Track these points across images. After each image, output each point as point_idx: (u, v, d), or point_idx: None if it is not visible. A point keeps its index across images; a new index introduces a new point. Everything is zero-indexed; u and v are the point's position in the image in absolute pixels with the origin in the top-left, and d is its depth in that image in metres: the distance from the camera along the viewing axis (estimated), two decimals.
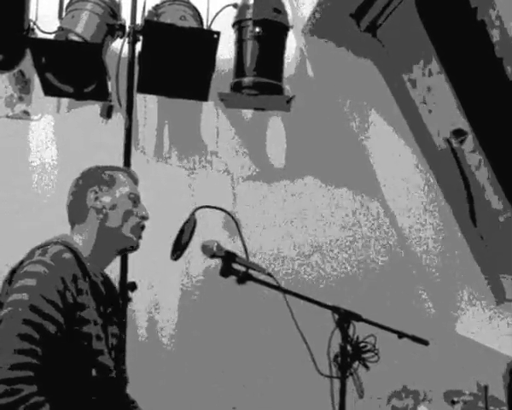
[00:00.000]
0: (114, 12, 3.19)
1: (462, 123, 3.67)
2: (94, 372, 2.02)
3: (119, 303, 2.28)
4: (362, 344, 2.25)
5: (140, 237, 2.24)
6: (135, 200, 2.24)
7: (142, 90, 3.28)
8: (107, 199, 2.19)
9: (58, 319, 1.94)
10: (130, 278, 3.13)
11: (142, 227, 2.25)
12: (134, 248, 2.24)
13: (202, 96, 3.30)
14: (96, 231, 2.17)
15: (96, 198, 2.18)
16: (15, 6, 3.01)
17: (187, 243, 2.30)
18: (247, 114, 3.90)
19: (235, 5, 3.43)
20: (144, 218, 2.24)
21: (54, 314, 1.94)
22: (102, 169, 2.26)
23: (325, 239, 3.99)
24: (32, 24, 3.09)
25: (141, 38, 3.19)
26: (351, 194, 4.03)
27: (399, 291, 3.99)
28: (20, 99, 3.62)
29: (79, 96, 3.15)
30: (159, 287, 3.75)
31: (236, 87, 3.42)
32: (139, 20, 3.23)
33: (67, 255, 2.05)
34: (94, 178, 2.22)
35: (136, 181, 2.31)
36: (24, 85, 3.61)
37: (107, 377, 2.07)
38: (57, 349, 1.95)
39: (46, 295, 1.94)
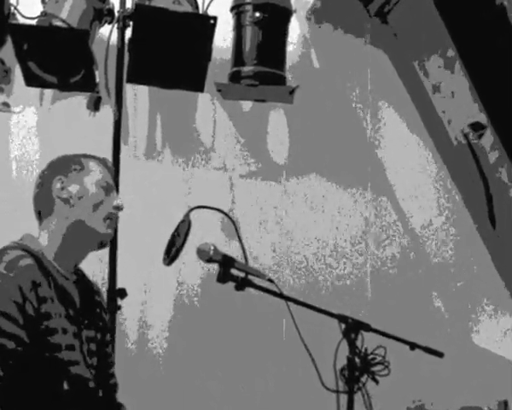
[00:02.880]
0: None
1: (480, 116, 3.67)
2: (66, 386, 1.99)
3: (97, 303, 2.24)
4: (371, 356, 2.25)
5: (113, 229, 2.20)
6: (107, 188, 2.18)
7: (132, 80, 3.28)
8: (74, 188, 2.12)
9: (16, 333, 1.91)
10: (119, 285, 3.14)
11: (116, 218, 2.20)
12: (107, 242, 2.21)
13: (198, 86, 3.31)
14: (64, 225, 2.11)
15: (63, 188, 2.12)
16: None
17: (181, 247, 2.30)
18: (247, 106, 3.90)
19: None
20: (118, 208, 2.19)
21: (11, 329, 1.91)
22: (70, 157, 2.20)
23: (331, 241, 3.99)
24: (12, 8, 3.08)
25: (131, 23, 3.19)
26: (358, 192, 4.03)
27: (412, 299, 3.99)
28: (0, 90, 3.62)
29: (64, 86, 3.15)
30: (150, 294, 3.75)
31: (235, 77, 3.42)
32: (129, 4, 3.22)
33: (25, 261, 2.01)
34: (60, 166, 2.16)
35: (110, 170, 2.24)
36: (4, 75, 3.60)
37: (82, 388, 2.05)
38: (20, 366, 1.92)
39: (1, 309, 1.91)
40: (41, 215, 2.17)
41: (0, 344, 1.89)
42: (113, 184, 2.23)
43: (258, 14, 3.35)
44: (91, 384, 2.08)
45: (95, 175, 2.17)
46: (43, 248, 2.10)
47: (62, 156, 2.22)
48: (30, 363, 1.94)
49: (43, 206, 2.16)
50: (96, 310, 2.22)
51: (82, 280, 2.21)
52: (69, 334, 2.04)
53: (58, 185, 2.13)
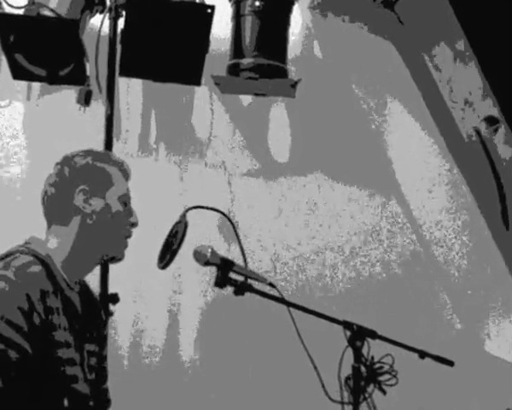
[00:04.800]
0: None
1: (493, 110, 3.67)
2: (66, 403, 1.99)
3: (98, 315, 2.26)
4: (377, 365, 2.25)
5: (126, 246, 2.21)
6: (125, 202, 2.19)
7: (125, 73, 3.28)
8: (98, 203, 2.12)
9: (21, 344, 1.91)
10: (111, 289, 3.14)
11: (130, 235, 2.21)
12: (119, 260, 2.21)
13: (194, 79, 3.30)
14: (77, 237, 2.11)
15: (86, 200, 2.11)
16: None
17: (177, 249, 2.30)
18: (246, 100, 3.90)
19: None
20: (134, 225, 2.21)
21: (16, 338, 1.91)
22: (93, 160, 2.16)
23: (335, 244, 3.99)
24: None
25: (123, 13, 3.19)
26: (365, 192, 4.03)
27: (420, 304, 3.99)
28: None
29: (53, 80, 3.15)
30: (144, 299, 3.75)
31: (234, 70, 3.42)
32: None
33: (35, 268, 2.01)
34: (84, 174, 2.13)
35: (127, 176, 2.23)
36: None
37: (82, 406, 2.06)
38: (21, 378, 1.92)
39: (7, 316, 1.91)
40: (52, 220, 2.15)
41: (3, 353, 1.89)
42: (130, 194, 2.21)
43: (258, 3, 3.35)
44: (90, 402, 2.09)
45: (118, 189, 2.17)
46: (51, 252, 2.09)
47: (83, 157, 2.16)
48: (31, 376, 1.94)
49: (59, 212, 2.13)
50: (97, 323, 2.24)
51: (85, 291, 2.22)
52: (71, 348, 2.05)
53: (81, 197, 2.11)
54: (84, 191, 2.12)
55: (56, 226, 2.14)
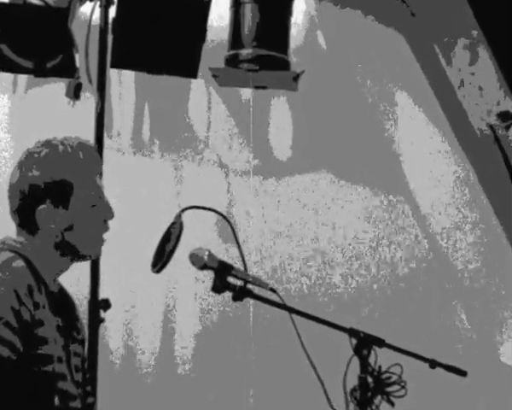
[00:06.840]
0: None
1: (508, 104, 3.67)
2: (57, 401, 2.02)
3: (76, 316, 2.27)
4: (385, 375, 2.25)
5: (102, 244, 2.20)
6: (94, 204, 2.16)
7: (116, 64, 3.28)
8: (63, 219, 2.11)
9: (11, 340, 1.95)
10: (102, 295, 3.14)
11: (107, 230, 2.21)
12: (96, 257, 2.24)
13: (190, 72, 3.31)
14: (47, 243, 2.12)
15: (49, 219, 2.10)
16: None
17: (172, 252, 2.30)
18: (246, 93, 3.90)
19: None
20: (108, 219, 2.20)
21: (6, 335, 1.94)
22: (49, 171, 2.11)
23: (339, 246, 3.99)
24: None
25: (115, 0, 3.19)
26: (371, 191, 4.03)
27: (431, 310, 3.99)
28: None
29: (40, 72, 3.15)
30: (137, 305, 3.75)
31: (232, 61, 3.42)
32: None
33: (19, 263, 2.04)
34: (43, 192, 2.10)
35: (97, 168, 2.20)
36: None
37: (69, 406, 2.08)
38: (11, 376, 1.95)
39: None
40: (17, 224, 2.15)
41: None
42: (100, 186, 2.19)
43: None
44: (77, 403, 2.11)
45: (82, 193, 2.14)
46: (27, 252, 2.10)
47: (41, 170, 2.11)
48: (22, 373, 1.97)
49: (24, 221, 2.13)
50: (76, 324, 2.25)
51: (62, 291, 2.23)
52: (58, 345, 2.07)
53: (43, 214, 2.10)
54: (46, 210, 2.10)
55: (23, 232, 2.15)
